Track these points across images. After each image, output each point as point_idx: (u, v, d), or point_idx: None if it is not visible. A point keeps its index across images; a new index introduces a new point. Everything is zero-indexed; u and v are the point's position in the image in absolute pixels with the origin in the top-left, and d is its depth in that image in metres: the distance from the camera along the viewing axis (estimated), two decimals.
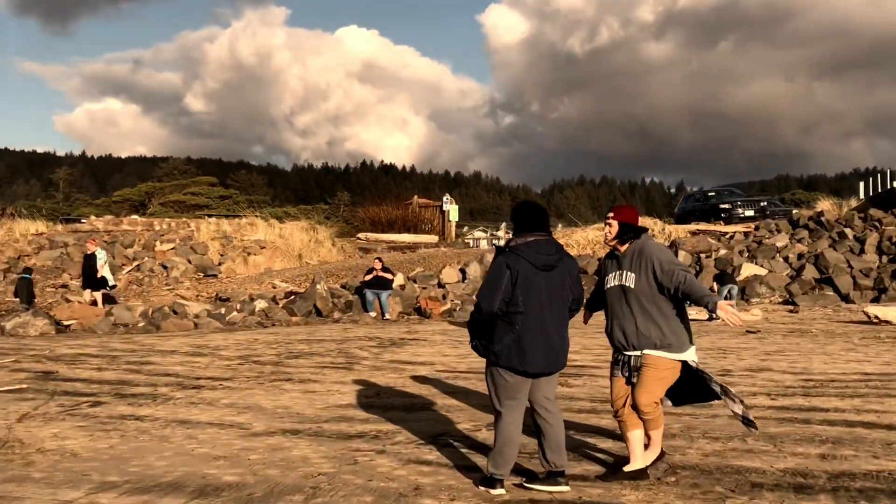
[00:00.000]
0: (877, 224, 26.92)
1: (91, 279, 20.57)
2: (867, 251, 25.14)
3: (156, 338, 16.11)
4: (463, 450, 6.73)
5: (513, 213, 5.74)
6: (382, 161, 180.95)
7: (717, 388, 5.69)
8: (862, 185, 33.73)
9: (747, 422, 5.81)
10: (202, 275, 26.94)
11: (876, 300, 22.00)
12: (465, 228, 59.93)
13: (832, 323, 17.65)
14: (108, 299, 20.92)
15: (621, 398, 5.86)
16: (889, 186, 29.50)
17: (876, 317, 16.87)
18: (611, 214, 5.98)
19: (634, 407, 5.74)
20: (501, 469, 5.51)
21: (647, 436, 5.87)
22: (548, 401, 5.61)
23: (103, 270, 20.45)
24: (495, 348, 5.47)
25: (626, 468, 5.83)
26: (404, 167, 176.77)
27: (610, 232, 5.90)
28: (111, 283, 21.16)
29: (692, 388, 5.88)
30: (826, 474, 5.87)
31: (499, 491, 5.47)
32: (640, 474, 5.78)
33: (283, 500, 5.38)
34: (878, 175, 32.13)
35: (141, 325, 18.32)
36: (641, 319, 5.69)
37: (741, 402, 5.80)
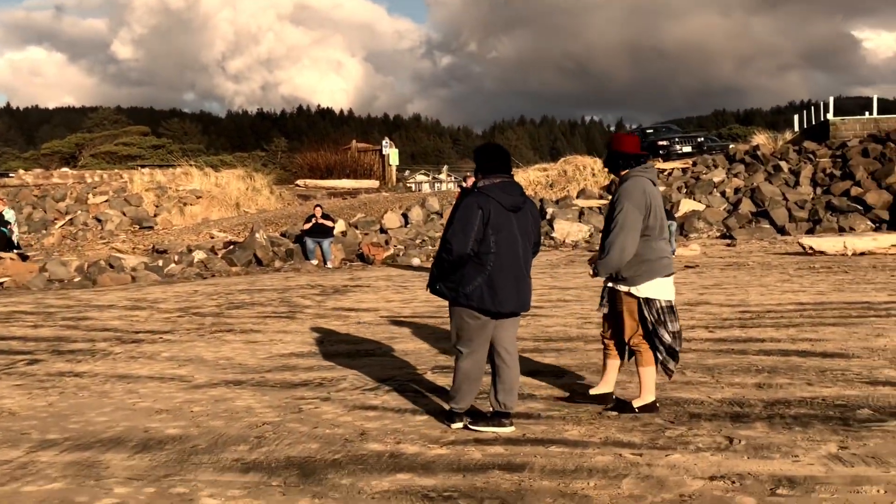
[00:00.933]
0: (811, 156, 27.44)
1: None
2: (802, 184, 25.66)
3: (92, 293, 15.79)
4: (409, 394, 6.74)
5: (479, 154, 5.69)
6: (319, 105, 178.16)
7: (666, 338, 5.75)
8: (797, 118, 34.24)
9: (666, 371, 5.95)
10: (137, 227, 26.45)
11: (811, 231, 22.53)
12: (407, 172, 59.61)
13: (768, 255, 18.03)
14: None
15: (607, 329, 6.06)
16: (823, 119, 30.00)
17: (811, 248, 17.28)
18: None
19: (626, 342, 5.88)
20: (460, 404, 5.65)
21: (638, 373, 5.94)
22: (509, 343, 5.66)
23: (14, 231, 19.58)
24: (466, 290, 5.45)
25: (635, 402, 5.89)
26: (342, 111, 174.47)
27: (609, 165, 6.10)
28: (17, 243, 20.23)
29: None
30: (762, 403, 6.01)
31: (457, 424, 5.64)
32: (651, 408, 5.86)
33: (228, 451, 5.33)
34: (812, 108, 32.64)
35: (76, 280, 17.92)
36: (603, 249, 5.81)
37: (667, 353, 5.84)
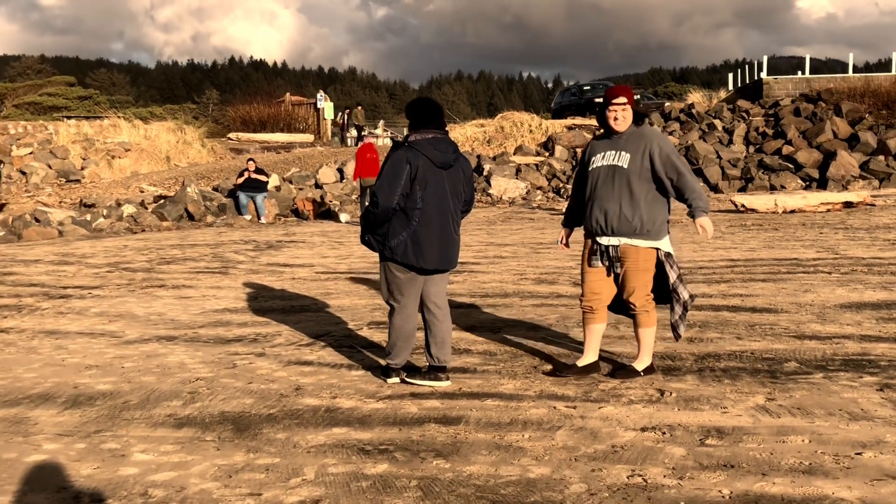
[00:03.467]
0: (744, 115, 27.90)
1: None
2: (735, 142, 26.10)
3: (17, 247, 15.36)
4: (344, 349, 6.71)
5: (410, 109, 5.59)
6: (252, 57, 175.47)
7: (685, 295, 5.53)
8: (731, 77, 34.73)
9: (676, 333, 5.64)
10: (64, 180, 25.72)
11: (743, 189, 22.98)
12: None
13: None
14: None
15: (597, 292, 5.61)
16: (757, 77, 30.48)
17: (743, 205, 17.62)
18: (623, 100, 5.44)
19: (626, 303, 5.54)
20: (396, 359, 5.64)
21: (637, 336, 5.66)
22: (438, 298, 5.63)
23: None
24: (391, 243, 5.43)
25: (637, 365, 5.64)
26: (275, 63, 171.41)
27: (625, 117, 5.45)
28: None
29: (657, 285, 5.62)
30: (693, 356, 6.13)
31: (393, 379, 5.66)
32: (652, 368, 5.66)
33: (160, 407, 5.25)
34: (747, 67, 33.12)
35: (0, 234, 17.40)
36: (627, 203, 5.39)
37: (683, 312, 5.59)
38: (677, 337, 5.68)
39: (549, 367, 5.99)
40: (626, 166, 5.42)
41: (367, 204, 5.60)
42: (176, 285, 10.11)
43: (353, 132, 36.98)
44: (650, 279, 5.54)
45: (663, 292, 5.62)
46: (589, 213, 5.60)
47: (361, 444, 4.48)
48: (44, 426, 4.92)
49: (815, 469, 3.95)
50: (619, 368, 5.75)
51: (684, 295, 5.54)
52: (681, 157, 5.52)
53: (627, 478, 3.91)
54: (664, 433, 4.51)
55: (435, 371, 5.58)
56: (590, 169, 5.62)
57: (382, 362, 5.92)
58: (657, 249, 5.51)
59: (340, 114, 37.13)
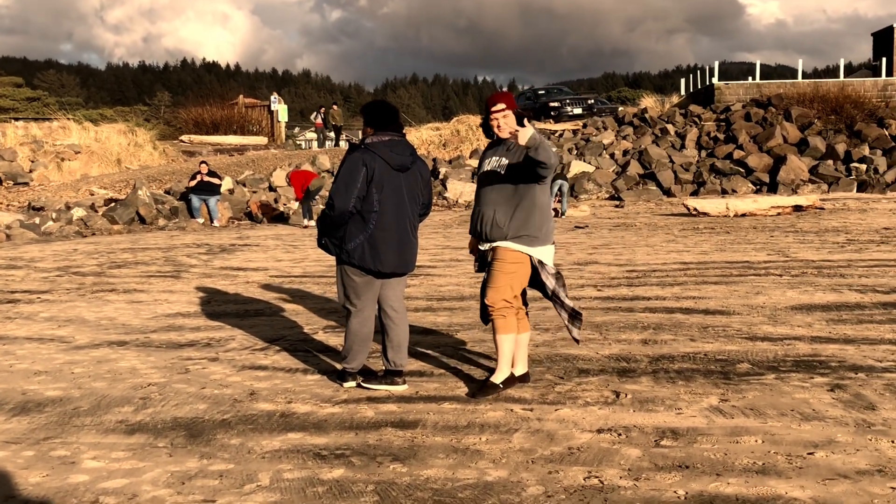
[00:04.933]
0: (696, 120, 28.26)
1: None
2: (688, 146, 26.44)
3: None
4: (299, 353, 6.65)
5: (368, 111, 5.54)
6: (204, 59, 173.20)
7: (568, 301, 5.39)
8: (683, 82, 35.17)
9: (573, 337, 5.49)
10: (11, 183, 25.19)
11: (695, 193, 23.27)
12: (296, 129, 58.57)
13: (655, 216, 18.53)
14: None
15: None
16: (708, 83, 30.89)
17: (695, 209, 17.84)
18: (501, 106, 5.31)
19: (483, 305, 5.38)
20: (352, 363, 5.60)
21: (495, 343, 5.39)
22: (395, 301, 5.59)
23: None
24: (347, 247, 5.39)
25: (494, 378, 5.39)
26: (228, 65, 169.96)
27: (508, 124, 5.28)
28: None
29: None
30: (647, 358, 6.18)
31: (350, 384, 5.61)
32: (511, 380, 5.42)
33: (111, 413, 5.15)
34: (699, 72, 33.56)
35: None
36: (502, 208, 5.26)
37: (571, 317, 5.43)
38: (576, 341, 5.53)
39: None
40: (503, 172, 5.30)
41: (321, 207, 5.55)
42: (127, 289, 9.95)
43: (331, 133, 36.60)
44: (513, 283, 5.28)
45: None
46: (472, 217, 5.54)
47: (317, 448, 4.44)
48: None
49: (768, 469, 3.99)
50: (479, 388, 5.41)
51: (567, 301, 5.38)
52: (548, 148, 5.15)
53: (584, 479, 3.92)
54: (620, 434, 4.53)
55: (391, 375, 5.55)
56: (478, 175, 5.61)
57: (338, 366, 5.87)
58: (529, 256, 5.30)
59: (316, 114, 36.37)
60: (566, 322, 5.48)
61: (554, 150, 5.20)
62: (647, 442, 4.41)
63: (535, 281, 5.43)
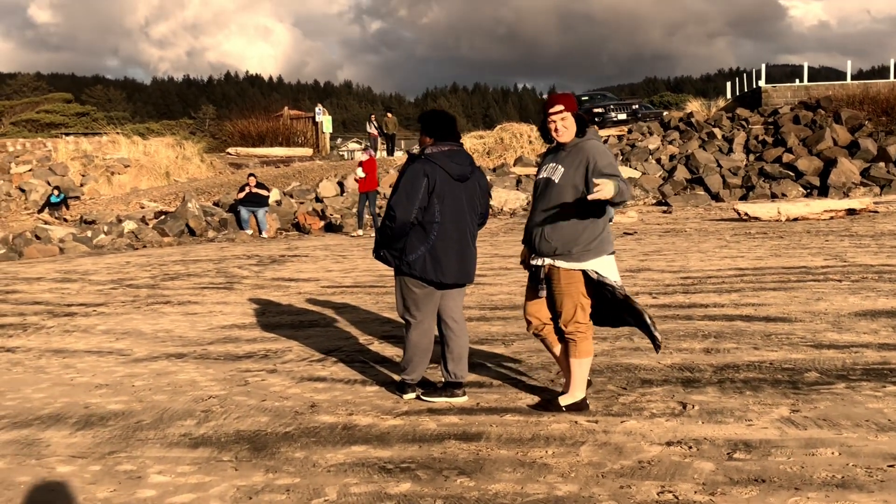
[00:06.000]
0: (744, 123, 27.89)
1: None
2: (735, 150, 26.09)
3: (19, 265, 15.26)
4: (357, 364, 6.63)
5: (427, 120, 5.50)
6: (247, 72, 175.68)
7: (638, 304, 5.03)
8: (729, 85, 34.77)
9: (655, 343, 5.09)
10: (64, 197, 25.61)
11: (744, 198, 22.94)
12: (339, 140, 58.95)
13: (704, 221, 18.29)
14: None
15: (532, 314, 5.27)
16: (755, 86, 30.50)
17: (746, 214, 17.56)
18: (559, 108, 5.00)
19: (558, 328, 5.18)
20: (412, 374, 5.55)
21: (567, 364, 5.20)
22: (455, 312, 5.54)
23: None
24: (409, 258, 5.33)
25: (562, 400, 5.16)
26: (271, 77, 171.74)
27: (565, 127, 5.02)
28: None
29: (605, 308, 5.16)
30: (711, 367, 6.05)
31: (410, 395, 5.56)
32: (580, 406, 5.14)
33: (174, 426, 5.16)
34: (744, 75, 33.17)
35: (1, 252, 17.31)
36: (551, 221, 5.00)
37: (648, 322, 5.04)
38: (657, 348, 5.11)
39: (535, 399, 5.49)
40: (557, 181, 5.03)
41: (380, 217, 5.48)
42: (181, 301, 10.02)
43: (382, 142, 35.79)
44: (580, 304, 5.05)
45: (612, 315, 5.19)
46: (525, 227, 5.30)
47: (382, 462, 4.39)
48: (56, 448, 4.83)
49: (848, 483, 3.86)
50: (544, 402, 5.27)
51: (637, 304, 5.02)
52: (617, 168, 4.94)
53: (658, 494, 3.82)
54: (690, 447, 4.43)
55: (451, 387, 5.49)
56: (535, 181, 5.33)
57: (397, 378, 5.82)
58: (583, 272, 5.02)
59: (369, 123, 35.43)
60: (647, 327, 5.04)
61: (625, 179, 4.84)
62: (720, 455, 4.30)
63: (598, 293, 5.10)
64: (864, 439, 4.44)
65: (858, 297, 8.55)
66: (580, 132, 5.08)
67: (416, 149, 5.68)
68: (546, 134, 5.19)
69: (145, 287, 11.36)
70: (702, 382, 5.68)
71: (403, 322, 5.57)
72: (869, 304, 8.17)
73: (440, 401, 5.45)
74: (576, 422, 4.94)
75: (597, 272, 5.02)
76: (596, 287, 5.08)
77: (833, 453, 4.26)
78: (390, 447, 4.63)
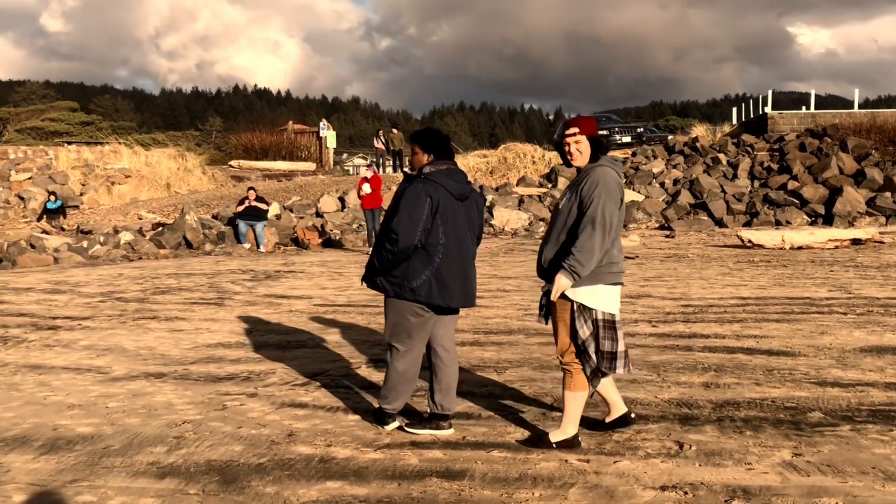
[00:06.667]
0: (749, 149, 27.68)
1: None
2: (740, 176, 25.87)
3: (11, 274, 15.04)
4: (341, 389, 6.37)
5: (426, 138, 5.20)
6: (256, 85, 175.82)
7: (593, 358, 4.79)
8: (735, 110, 34.60)
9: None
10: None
11: (748, 224, 22.68)
12: (345, 156, 58.83)
13: (707, 247, 18.03)
14: None
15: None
16: (761, 112, 30.32)
17: (749, 241, 17.30)
18: (573, 130, 4.79)
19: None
20: (394, 404, 5.26)
21: (563, 398, 4.95)
22: (447, 341, 5.26)
23: None
24: (412, 284, 5.00)
25: (553, 436, 4.90)
26: (279, 92, 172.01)
27: (579, 150, 4.80)
28: None
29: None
30: (710, 404, 5.78)
31: (392, 426, 5.27)
32: (571, 443, 4.87)
33: (143, 453, 4.90)
34: (750, 101, 33.00)
35: None
36: (551, 247, 4.83)
37: (592, 374, 4.85)
38: (590, 393, 4.91)
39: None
40: (560, 207, 4.88)
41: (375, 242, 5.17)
42: (169, 317, 9.77)
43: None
44: (567, 336, 4.85)
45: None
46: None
47: (357, 500, 4.13)
48: (16, 474, 4.57)
49: None
50: (534, 438, 5.01)
51: (592, 358, 4.78)
52: (604, 205, 4.64)
53: None
54: (686, 493, 4.16)
55: (437, 419, 5.23)
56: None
57: (376, 404, 5.52)
58: (571, 301, 4.76)
59: (377, 138, 34.88)
60: (587, 373, 4.85)
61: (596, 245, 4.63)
62: (717, 502, 4.04)
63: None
64: (871, 489, 4.17)
65: (864, 331, 8.29)
66: (594, 157, 4.85)
67: (406, 168, 5.36)
68: (562, 157, 4.98)
69: (134, 301, 11.12)
70: (700, 420, 5.41)
71: (388, 349, 5.27)
72: (875, 339, 7.90)
73: (425, 433, 5.19)
74: (566, 461, 4.67)
75: (581, 304, 4.75)
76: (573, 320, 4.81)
77: (837, 503, 3.99)
78: (367, 484, 4.36)
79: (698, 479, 4.35)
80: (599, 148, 4.85)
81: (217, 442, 5.10)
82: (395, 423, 5.30)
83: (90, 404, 6.02)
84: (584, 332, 4.78)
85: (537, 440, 4.98)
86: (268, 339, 8.44)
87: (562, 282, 4.66)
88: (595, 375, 4.88)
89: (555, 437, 4.91)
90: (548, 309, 4.95)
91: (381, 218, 5.18)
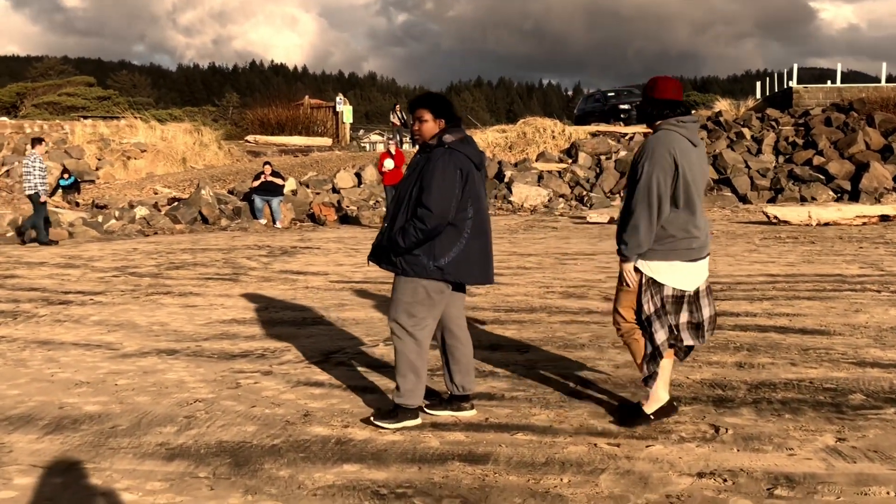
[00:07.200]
0: (774, 124, 27.16)
1: None
2: (764, 151, 25.38)
3: (25, 249, 14.89)
4: (359, 368, 6.13)
5: (437, 103, 4.82)
6: (273, 61, 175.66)
7: (658, 336, 4.56)
8: (759, 84, 34.00)
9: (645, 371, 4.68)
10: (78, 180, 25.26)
11: (772, 200, 22.26)
12: (361, 132, 58.52)
13: (732, 224, 17.67)
14: None
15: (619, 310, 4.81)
16: (786, 87, 29.74)
17: (775, 217, 16.93)
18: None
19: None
20: (415, 396, 4.80)
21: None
22: (461, 319, 4.97)
23: None
24: (440, 262, 4.64)
25: (646, 406, 4.70)
26: (296, 67, 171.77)
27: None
28: None
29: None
30: (745, 385, 5.50)
31: (415, 421, 4.79)
32: (667, 410, 4.70)
33: (151, 433, 4.69)
34: (775, 75, 32.40)
35: (9, 234, 16.95)
36: (621, 216, 4.65)
37: (650, 356, 4.64)
38: (646, 383, 4.69)
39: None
40: (628, 176, 4.72)
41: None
42: (183, 292, 9.57)
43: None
44: (625, 301, 4.68)
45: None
46: None
47: (376, 485, 3.90)
48: (19, 454, 4.37)
49: None
50: (626, 413, 4.81)
51: (658, 336, 4.56)
52: (650, 177, 4.41)
53: None
54: (725, 480, 3.90)
55: (458, 400, 4.97)
56: None
57: (397, 399, 4.82)
58: (642, 273, 4.58)
59: (393, 113, 34.24)
60: (644, 357, 4.66)
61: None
62: (759, 490, 3.78)
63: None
64: None
65: None
66: (649, 123, 4.68)
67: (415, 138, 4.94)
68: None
69: (148, 276, 10.92)
70: (735, 402, 5.14)
71: (400, 333, 4.76)
72: None
73: (445, 414, 4.94)
74: (595, 444, 4.42)
75: (652, 278, 4.56)
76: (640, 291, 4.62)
77: (888, 493, 3.73)
78: (386, 468, 4.13)
79: (737, 465, 4.09)
80: (650, 115, 4.64)
81: (229, 422, 4.88)
82: (418, 420, 4.82)
83: (99, 381, 5.82)
84: (649, 306, 4.57)
85: (632, 414, 4.74)
86: (283, 315, 8.21)
87: (622, 263, 4.62)
88: (653, 357, 4.62)
89: (649, 406, 4.69)
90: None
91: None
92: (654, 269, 4.55)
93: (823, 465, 4.07)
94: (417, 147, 4.93)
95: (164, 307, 8.67)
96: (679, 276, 4.56)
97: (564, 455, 4.27)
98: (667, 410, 4.73)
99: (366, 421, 4.81)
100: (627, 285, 4.63)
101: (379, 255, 4.87)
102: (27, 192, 15.58)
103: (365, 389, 5.55)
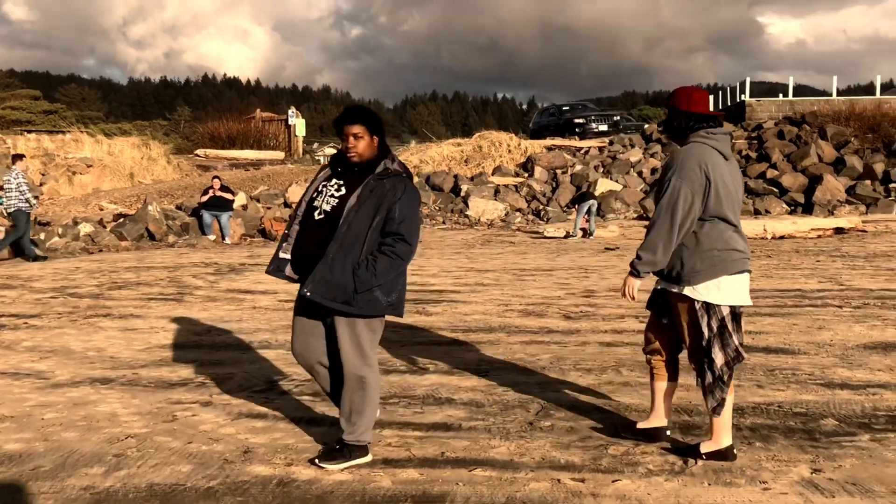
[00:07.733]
0: None
1: None
2: None
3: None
4: (305, 397, 5.77)
5: (372, 119, 4.37)
6: (225, 74, 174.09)
7: (718, 360, 4.30)
8: (712, 98, 34.23)
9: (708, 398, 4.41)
10: None
11: None
12: (315, 145, 57.91)
13: None
14: None
15: (652, 339, 4.63)
16: (738, 100, 29.95)
17: None
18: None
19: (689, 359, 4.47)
20: (369, 435, 4.44)
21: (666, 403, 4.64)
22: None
23: None
24: (392, 297, 4.28)
25: (704, 447, 4.38)
26: (248, 81, 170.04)
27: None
28: None
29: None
30: None
31: (367, 459, 4.42)
32: (724, 455, 4.34)
33: (77, 475, 4.29)
34: (728, 89, 32.64)
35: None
36: (649, 228, 4.38)
37: (713, 381, 4.36)
38: (713, 410, 4.35)
39: (599, 425, 4.93)
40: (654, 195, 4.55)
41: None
42: (123, 314, 9.11)
43: None
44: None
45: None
46: None
47: None
48: None
49: None
50: (684, 448, 4.52)
51: (718, 359, 4.29)
52: (676, 191, 4.17)
53: None
54: None
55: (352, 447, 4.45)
56: None
57: (349, 438, 4.38)
58: (692, 299, 4.28)
59: None
60: (705, 385, 4.37)
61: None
62: None
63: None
64: None
65: (864, 326, 7.82)
66: (677, 137, 4.43)
67: (390, 164, 4.41)
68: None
69: (88, 297, 10.43)
70: (703, 429, 4.87)
71: (369, 379, 4.34)
72: (877, 334, 7.44)
73: (347, 465, 4.36)
74: (558, 480, 4.12)
75: (702, 301, 4.25)
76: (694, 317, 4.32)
77: None
78: None
79: (710, 501, 3.81)
80: (679, 129, 4.39)
81: (162, 461, 4.49)
82: (369, 457, 4.43)
83: (24, 416, 5.38)
84: (708, 331, 4.27)
85: (687, 451, 4.44)
86: (227, 338, 7.81)
87: (629, 280, 4.39)
88: (719, 379, 4.31)
89: (707, 447, 4.37)
90: (665, 305, 4.49)
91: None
92: (704, 291, 4.25)
93: (801, 501, 3.81)
94: (339, 167, 4.45)
95: (102, 331, 8.22)
96: (731, 291, 4.27)
97: (526, 493, 3.95)
98: (724, 455, 4.35)
99: (311, 462, 4.44)
100: (632, 297, 4.40)
101: (331, 290, 4.21)
102: (8, 211, 15.22)
103: (311, 422, 5.19)
